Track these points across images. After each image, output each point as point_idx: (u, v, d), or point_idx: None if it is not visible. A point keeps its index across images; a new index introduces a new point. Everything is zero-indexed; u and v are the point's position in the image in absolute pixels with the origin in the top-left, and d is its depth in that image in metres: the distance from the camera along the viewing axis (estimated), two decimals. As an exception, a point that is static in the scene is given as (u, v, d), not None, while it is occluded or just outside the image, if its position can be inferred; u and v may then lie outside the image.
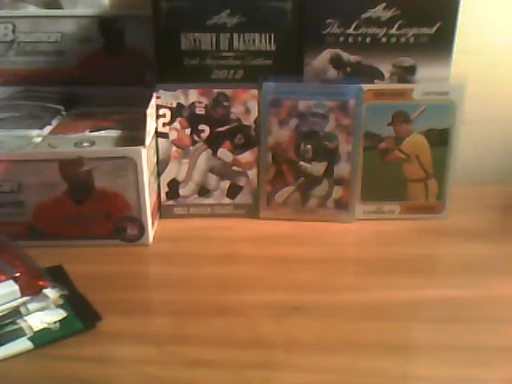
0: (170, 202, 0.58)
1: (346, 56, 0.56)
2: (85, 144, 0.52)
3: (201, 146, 0.57)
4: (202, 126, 0.56)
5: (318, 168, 0.57)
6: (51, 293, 0.42)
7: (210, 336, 0.41)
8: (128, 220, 0.52)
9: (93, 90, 0.63)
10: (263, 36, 0.56)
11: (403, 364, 0.38)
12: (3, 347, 0.39)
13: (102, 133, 0.54)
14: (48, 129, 0.56)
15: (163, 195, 0.58)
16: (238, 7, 0.55)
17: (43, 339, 0.40)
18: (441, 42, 0.55)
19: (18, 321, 0.40)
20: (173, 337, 0.41)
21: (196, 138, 0.56)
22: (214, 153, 0.57)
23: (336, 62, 0.57)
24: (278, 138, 0.56)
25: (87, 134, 0.54)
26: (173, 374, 0.37)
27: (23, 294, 0.40)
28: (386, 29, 0.55)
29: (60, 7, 0.62)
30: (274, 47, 0.57)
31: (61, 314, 0.42)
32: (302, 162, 0.57)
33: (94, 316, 0.42)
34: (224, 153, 0.57)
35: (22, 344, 0.39)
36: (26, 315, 0.41)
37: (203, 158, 0.57)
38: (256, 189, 0.58)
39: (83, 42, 0.62)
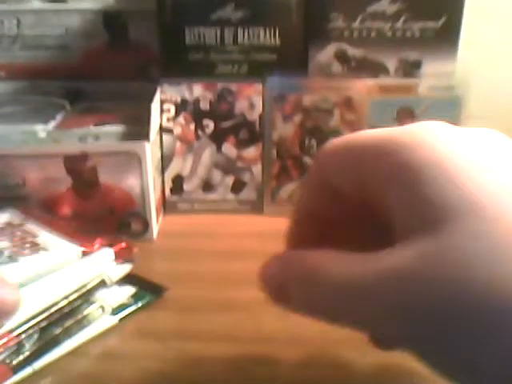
0: (175, 198, 0.58)
1: (350, 50, 0.56)
2: (89, 139, 0.52)
3: (205, 141, 0.57)
4: (206, 121, 0.56)
5: (322, 163, 0.57)
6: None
7: (214, 331, 0.41)
8: (132, 215, 0.52)
9: (97, 84, 0.63)
10: (268, 30, 0.56)
11: (408, 360, 0.38)
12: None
13: (107, 127, 0.54)
14: (52, 123, 0.56)
15: (167, 191, 0.58)
16: (242, 1, 0.55)
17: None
18: (446, 36, 0.55)
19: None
20: (176, 332, 0.41)
21: (200, 133, 0.56)
22: (219, 148, 0.57)
23: (341, 56, 0.56)
24: (283, 134, 0.56)
25: (92, 128, 0.54)
26: (177, 369, 0.37)
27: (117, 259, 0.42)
28: (391, 23, 0.55)
29: (64, 1, 0.62)
30: (278, 42, 0.56)
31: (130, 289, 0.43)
32: (306, 158, 0.57)
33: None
34: (228, 148, 0.57)
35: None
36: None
37: (207, 154, 0.57)
38: (260, 184, 0.58)
39: (88, 36, 0.62)
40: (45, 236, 0.43)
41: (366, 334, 0.30)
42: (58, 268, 0.39)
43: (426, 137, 0.24)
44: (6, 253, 0.40)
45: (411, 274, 0.21)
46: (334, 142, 0.27)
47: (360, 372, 0.37)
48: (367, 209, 0.26)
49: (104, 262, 0.41)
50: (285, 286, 0.26)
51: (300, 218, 0.30)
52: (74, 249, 0.42)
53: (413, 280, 0.21)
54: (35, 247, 0.41)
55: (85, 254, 0.41)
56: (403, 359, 0.38)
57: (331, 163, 0.27)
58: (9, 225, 0.45)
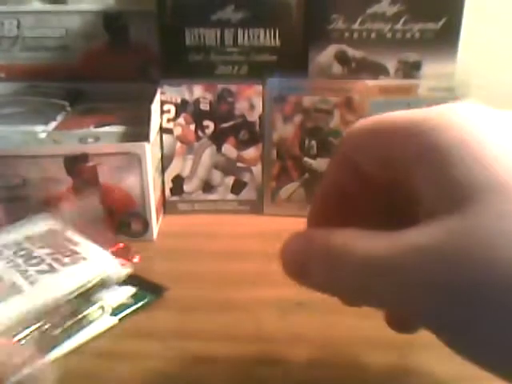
0: (175, 198, 0.58)
1: (351, 52, 0.56)
2: (89, 140, 0.52)
3: (205, 141, 0.57)
4: (206, 122, 0.56)
5: (322, 164, 0.57)
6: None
7: (214, 331, 0.41)
8: (132, 215, 0.52)
9: (97, 85, 0.63)
10: (268, 31, 0.56)
11: (407, 359, 0.38)
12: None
13: (107, 128, 0.54)
14: (53, 124, 0.56)
15: (167, 191, 0.58)
16: (242, 2, 0.55)
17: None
18: (446, 38, 0.55)
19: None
20: (176, 332, 0.41)
21: (200, 133, 0.56)
22: (219, 149, 0.57)
23: (341, 57, 0.56)
24: (283, 134, 0.56)
25: (92, 129, 0.54)
26: (177, 369, 0.37)
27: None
28: (391, 24, 0.55)
29: (64, 2, 0.62)
30: (278, 43, 0.56)
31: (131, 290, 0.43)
32: (306, 158, 0.57)
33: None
34: (228, 149, 0.57)
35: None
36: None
37: (207, 154, 0.57)
38: (260, 185, 0.58)
39: (88, 37, 0.62)
40: (85, 244, 0.43)
41: (385, 313, 0.30)
42: (98, 278, 0.40)
43: (455, 118, 0.24)
44: (47, 261, 0.41)
45: (437, 252, 0.21)
46: (362, 122, 0.27)
47: (361, 371, 0.37)
48: (390, 188, 0.26)
49: (104, 263, 0.41)
50: (305, 264, 0.26)
51: (323, 195, 0.30)
52: (112, 258, 0.42)
53: (438, 258, 0.21)
54: (75, 256, 0.42)
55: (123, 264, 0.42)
56: (404, 357, 0.39)
57: (358, 142, 0.27)
58: (51, 232, 0.45)
